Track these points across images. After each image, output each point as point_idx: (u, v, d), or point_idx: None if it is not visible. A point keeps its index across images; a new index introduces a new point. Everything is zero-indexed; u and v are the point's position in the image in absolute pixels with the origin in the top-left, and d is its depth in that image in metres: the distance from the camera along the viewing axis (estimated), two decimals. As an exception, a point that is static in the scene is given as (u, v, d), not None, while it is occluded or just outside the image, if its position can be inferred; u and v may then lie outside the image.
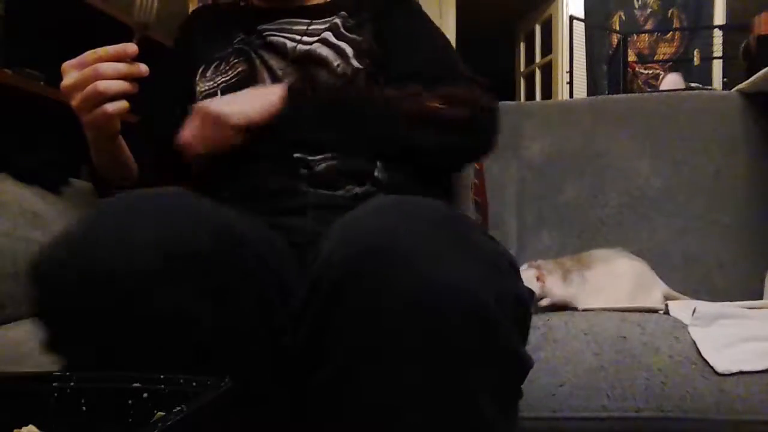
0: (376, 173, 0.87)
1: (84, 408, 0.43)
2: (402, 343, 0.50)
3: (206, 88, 0.96)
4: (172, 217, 0.57)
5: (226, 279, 0.57)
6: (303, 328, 0.55)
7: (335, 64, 0.95)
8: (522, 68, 5.67)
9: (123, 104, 0.80)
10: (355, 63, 0.95)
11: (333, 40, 0.97)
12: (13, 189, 0.95)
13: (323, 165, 0.86)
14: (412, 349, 0.50)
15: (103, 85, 0.78)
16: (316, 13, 1.01)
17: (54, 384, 0.43)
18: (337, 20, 0.99)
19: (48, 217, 0.96)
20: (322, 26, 0.99)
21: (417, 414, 0.50)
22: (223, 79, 0.96)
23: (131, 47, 0.80)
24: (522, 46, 5.69)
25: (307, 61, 0.96)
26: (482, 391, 0.52)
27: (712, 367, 0.71)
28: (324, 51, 0.96)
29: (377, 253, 0.51)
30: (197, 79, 0.98)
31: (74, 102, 0.80)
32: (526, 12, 5.43)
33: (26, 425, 0.41)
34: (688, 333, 0.76)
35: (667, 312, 0.87)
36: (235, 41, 1.00)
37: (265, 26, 1.00)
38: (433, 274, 0.50)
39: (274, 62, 0.97)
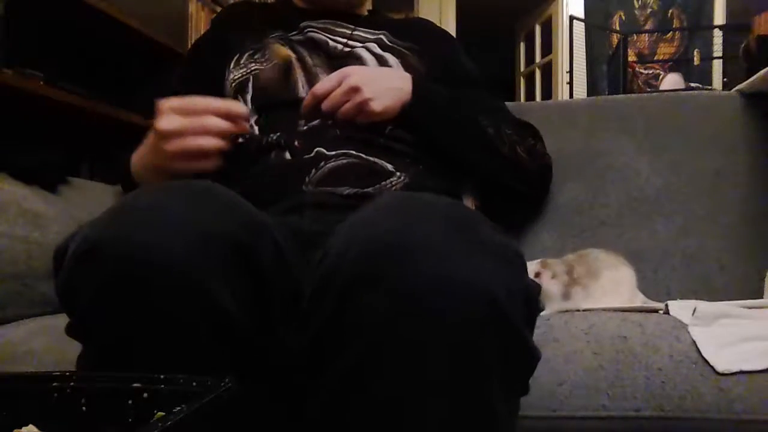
0: (397, 173, 0.89)
1: (84, 408, 0.43)
2: (415, 339, 0.50)
3: (239, 75, 0.97)
4: (203, 203, 0.58)
5: (249, 268, 0.57)
6: (312, 326, 0.55)
7: None
8: (522, 68, 5.67)
9: (218, 164, 0.79)
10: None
11: (377, 50, 1.01)
12: (13, 189, 0.95)
13: (338, 162, 0.87)
14: (425, 345, 0.50)
15: (210, 144, 0.76)
16: (361, 21, 1.04)
17: (54, 384, 0.43)
18: (382, 36, 1.03)
19: (48, 217, 0.96)
20: (368, 36, 1.02)
21: (427, 408, 0.51)
22: (257, 67, 0.97)
23: (244, 110, 0.79)
24: (522, 46, 5.69)
25: (348, 60, 0.98)
26: (493, 384, 0.52)
27: (712, 367, 0.71)
28: (366, 55, 0.99)
29: (389, 251, 0.51)
30: (231, 67, 0.98)
31: (170, 148, 0.77)
32: (526, 12, 5.43)
33: (26, 425, 0.41)
34: (688, 333, 0.76)
35: (667, 312, 0.87)
36: (271, 36, 1.01)
37: (308, 23, 1.02)
38: (444, 270, 0.50)
39: (311, 58, 0.99)
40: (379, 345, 0.51)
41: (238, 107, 0.79)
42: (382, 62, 0.99)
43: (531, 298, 0.58)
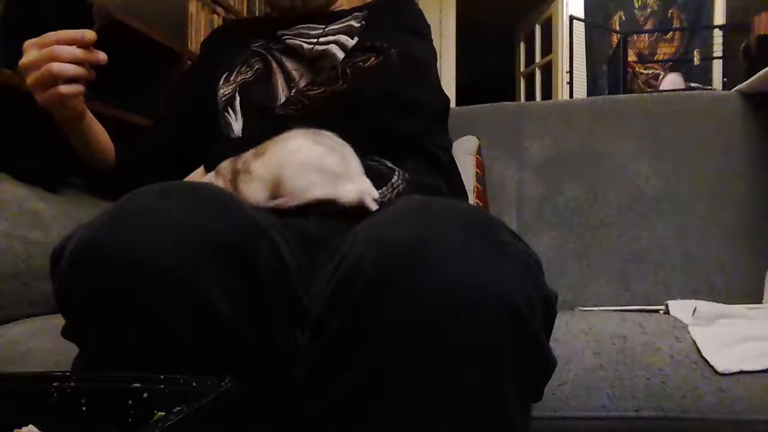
0: (395, 177, 0.88)
1: (84, 408, 0.43)
2: (435, 345, 0.50)
3: (229, 90, 1.01)
4: (199, 205, 0.57)
5: (244, 270, 0.57)
6: (328, 330, 0.55)
7: None
8: (522, 68, 5.67)
9: (78, 88, 0.83)
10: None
11: (345, 41, 1.01)
12: (13, 189, 0.95)
13: None
14: (444, 350, 0.50)
15: (57, 67, 0.81)
16: (331, 18, 1.05)
17: (54, 384, 0.43)
18: (352, 22, 1.03)
19: (48, 217, 0.96)
20: (338, 27, 1.03)
21: (444, 414, 0.50)
22: (243, 78, 1.02)
23: (89, 34, 0.83)
24: (522, 46, 5.69)
25: (321, 61, 0.99)
26: (511, 391, 0.52)
27: (712, 367, 0.71)
28: (338, 52, 1.00)
29: (409, 256, 0.51)
30: (220, 83, 1.03)
31: (29, 80, 0.83)
32: (526, 12, 5.43)
33: (26, 425, 0.41)
34: (689, 333, 0.76)
35: (667, 312, 0.88)
36: (253, 46, 1.05)
37: (283, 32, 1.04)
38: (464, 276, 0.50)
39: (290, 64, 1.02)
40: (398, 350, 0.51)
41: (86, 33, 0.83)
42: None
43: (549, 305, 0.58)
